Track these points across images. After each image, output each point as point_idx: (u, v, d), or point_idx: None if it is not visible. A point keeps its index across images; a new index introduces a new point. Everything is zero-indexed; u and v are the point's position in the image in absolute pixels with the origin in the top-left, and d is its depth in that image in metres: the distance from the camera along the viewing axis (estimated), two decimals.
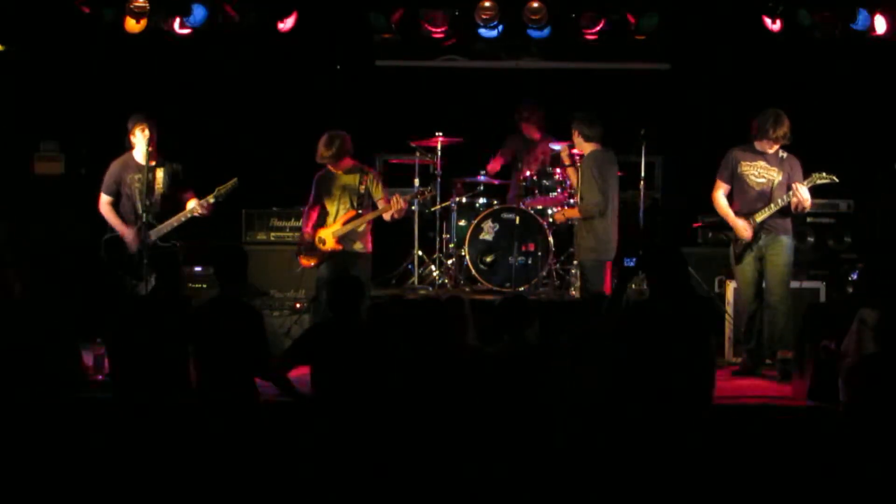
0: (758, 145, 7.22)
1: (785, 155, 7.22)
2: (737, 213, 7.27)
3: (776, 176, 7.18)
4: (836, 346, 5.63)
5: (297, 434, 5.43)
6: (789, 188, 7.12)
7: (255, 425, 5.50)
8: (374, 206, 7.50)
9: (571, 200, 8.35)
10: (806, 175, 7.16)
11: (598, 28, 8.77)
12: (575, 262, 8.23)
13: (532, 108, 9.12)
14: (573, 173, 8.29)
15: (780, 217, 7.20)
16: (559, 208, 8.41)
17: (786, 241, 7.23)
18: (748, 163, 7.24)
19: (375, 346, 5.49)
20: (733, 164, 7.28)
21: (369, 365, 5.39)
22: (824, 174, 7.12)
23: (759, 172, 7.21)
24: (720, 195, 7.34)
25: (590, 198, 7.50)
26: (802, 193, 7.04)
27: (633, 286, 8.65)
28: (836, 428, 5.49)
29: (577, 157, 8.26)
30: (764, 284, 7.27)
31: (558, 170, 8.80)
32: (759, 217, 7.17)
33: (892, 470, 5.04)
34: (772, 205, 7.12)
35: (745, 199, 7.25)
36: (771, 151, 7.20)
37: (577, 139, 7.72)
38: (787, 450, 5.83)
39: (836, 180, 7.15)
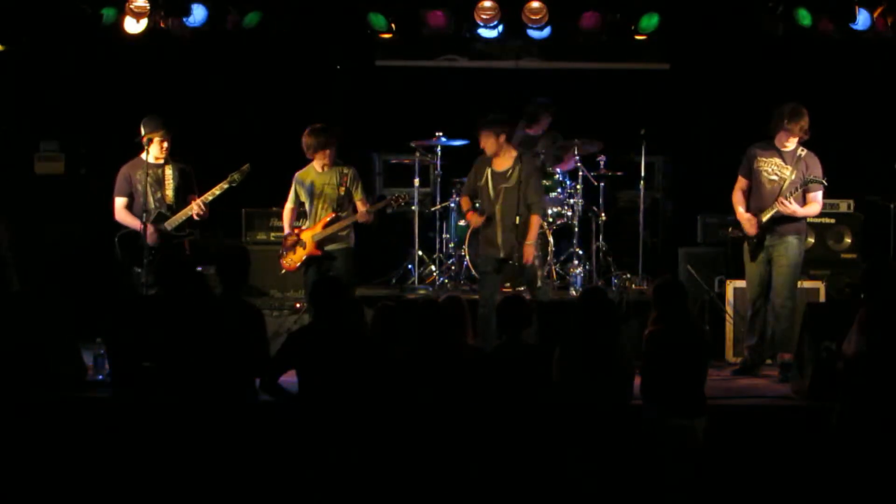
0: (776, 141, 7.14)
1: (804, 153, 7.13)
2: (750, 210, 7.23)
3: (789, 175, 7.09)
4: (836, 346, 5.63)
5: (293, 435, 5.43)
6: (807, 190, 7.09)
7: (255, 425, 5.50)
8: (354, 207, 7.46)
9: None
10: (831, 174, 7.09)
11: (598, 28, 8.77)
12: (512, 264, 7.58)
13: (541, 108, 9.06)
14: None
15: (790, 218, 7.12)
16: (527, 249, 7.30)
17: (793, 241, 7.14)
18: (764, 159, 7.18)
19: (362, 347, 5.48)
20: (751, 159, 7.23)
21: (356, 366, 5.38)
22: (813, 176, 7.07)
23: (773, 170, 7.14)
24: (736, 190, 7.31)
25: (541, 200, 7.50)
26: (787, 207, 7.02)
27: (634, 286, 8.69)
28: (836, 428, 5.49)
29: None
30: (771, 285, 7.22)
31: (558, 169, 8.81)
32: (764, 217, 7.11)
33: (886, 469, 5.05)
34: (775, 205, 7.08)
35: (758, 196, 7.19)
36: (789, 147, 7.11)
37: (501, 141, 7.41)
38: (786, 450, 5.84)
39: (825, 183, 7.10)
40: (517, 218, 7.27)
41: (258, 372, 5.59)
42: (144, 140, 7.31)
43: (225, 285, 5.67)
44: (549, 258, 8.49)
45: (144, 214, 7.18)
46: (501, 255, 7.36)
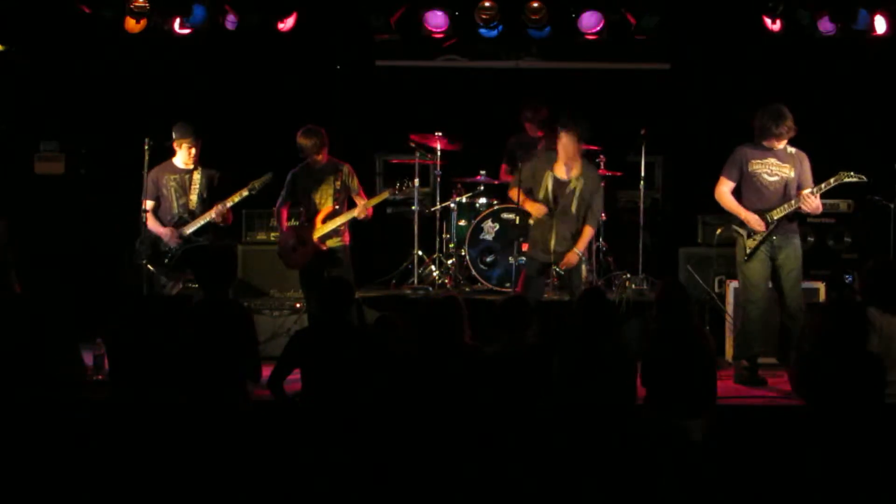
0: (765, 143, 7.05)
1: (793, 150, 7.06)
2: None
3: (789, 172, 7.01)
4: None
5: (290, 436, 5.44)
6: (801, 187, 7.02)
7: (245, 427, 5.51)
8: (351, 202, 7.53)
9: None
10: (832, 173, 6.94)
11: (598, 28, 8.78)
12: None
13: (536, 107, 9.11)
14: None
15: (793, 216, 7.05)
16: (572, 255, 7.33)
17: (797, 242, 7.10)
18: (759, 161, 7.04)
19: (364, 346, 5.49)
20: (742, 162, 7.07)
21: (358, 365, 5.39)
22: (852, 173, 6.88)
23: (772, 170, 7.03)
24: (726, 191, 7.12)
25: (599, 211, 7.47)
26: (812, 203, 6.89)
27: (634, 286, 8.69)
28: (836, 428, 5.49)
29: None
30: (776, 288, 7.11)
31: None
32: (777, 214, 6.98)
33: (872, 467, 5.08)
34: (792, 202, 6.96)
35: (759, 198, 7.04)
36: (780, 147, 7.04)
37: (576, 146, 7.26)
38: (787, 449, 5.84)
39: (865, 179, 6.94)
40: (575, 227, 7.30)
41: (249, 371, 5.62)
42: (174, 145, 7.49)
43: (211, 286, 5.71)
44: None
45: (178, 212, 7.40)
46: (552, 260, 7.32)
